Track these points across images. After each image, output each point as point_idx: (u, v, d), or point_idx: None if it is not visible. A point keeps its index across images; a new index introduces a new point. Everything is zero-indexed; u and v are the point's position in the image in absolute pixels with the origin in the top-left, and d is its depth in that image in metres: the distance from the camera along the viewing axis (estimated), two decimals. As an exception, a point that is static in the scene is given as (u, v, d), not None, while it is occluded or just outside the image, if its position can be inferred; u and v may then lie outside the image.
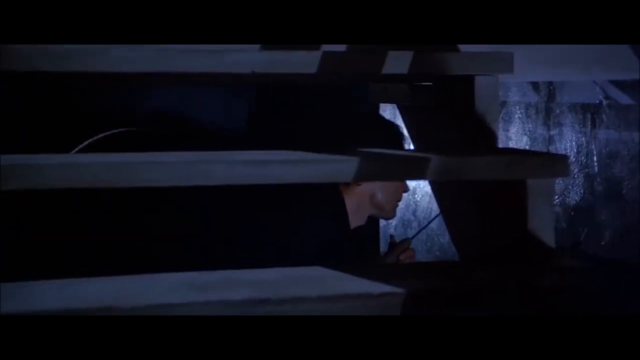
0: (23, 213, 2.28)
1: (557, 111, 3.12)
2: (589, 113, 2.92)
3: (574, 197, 3.01)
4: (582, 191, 2.98)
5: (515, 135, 3.36)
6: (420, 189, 3.94)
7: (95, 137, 2.52)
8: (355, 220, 2.33)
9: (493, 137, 1.85)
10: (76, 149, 2.50)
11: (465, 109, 1.87)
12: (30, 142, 2.42)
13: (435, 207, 2.41)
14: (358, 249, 2.40)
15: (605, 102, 2.82)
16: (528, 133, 3.30)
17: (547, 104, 3.16)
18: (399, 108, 2.27)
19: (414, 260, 2.51)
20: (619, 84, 2.69)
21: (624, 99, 2.71)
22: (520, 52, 1.94)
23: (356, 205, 2.30)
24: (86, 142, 2.48)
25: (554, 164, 1.67)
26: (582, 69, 2.11)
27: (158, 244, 2.13)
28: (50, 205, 2.30)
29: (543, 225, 1.67)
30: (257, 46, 1.75)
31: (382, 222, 3.74)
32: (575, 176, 3.00)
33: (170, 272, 1.45)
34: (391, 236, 2.63)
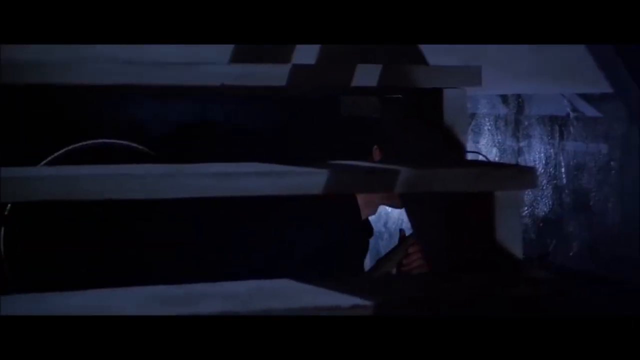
0: (17, 222, 2.28)
1: (526, 123, 3.15)
2: (557, 125, 2.95)
3: (542, 209, 3.04)
4: (550, 202, 3.01)
5: (484, 146, 3.38)
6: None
7: (65, 149, 2.51)
8: (366, 211, 2.35)
9: (462, 149, 1.86)
10: (46, 160, 2.49)
11: (434, 121, 1.88)
12: (27, 148, 2.42)
13: (406, 219, 2.43)
14: (364, 243, 2.43)
15: (572, 115, 2.86)
16: (497, 144, 3.33)
17: (516, 116, 3.19)
18: (369, 120, 2.28)
19: (422, 253, 2.52)
20: (585, 97, 2.72)
21: (591, 111, 2.75)
22: (489, 65, 1.96)
23: (367, 197, 2.32)
24: (56, 154, 2.47)
25: (523, 175, 1.69)
26: (549, 82, 2.14)
27: (150, 251, 2.14)
28: (43, 213, 2.30)
29: (511, 237, 1.68)
30: (227, 59, 1.76)
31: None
32: (544, 187, 3.02)
33: (148, 284, 1.45)
34: (401, 230, 2.64)
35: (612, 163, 2.67)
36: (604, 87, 1.78)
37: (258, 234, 2.14)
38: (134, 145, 2.58)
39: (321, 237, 2.17)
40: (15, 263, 2.27)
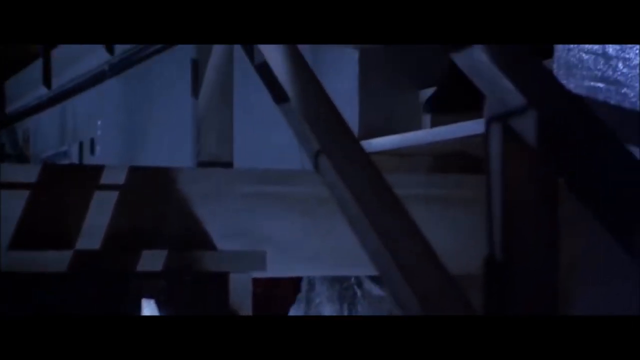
0: None
1: (317, 301, 3.22)
2: (346, 303, 3.04)
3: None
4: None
5: (278, 324, 3.42)
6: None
7: None
8: None
9: (247, 333, 1.89)
10: None
11: (220, 304, 1.91)
12: None
13: None
14: None
15: (359, 293, 2.96)
16: (290, 322, 3.37)
17: (307, 294, 3.26)
18: (157, 303, 2.27)
19: None
20: (371, 277, 2.84)
21: (376, 290, 2.86)
22: (275, 250, 2.02)
23: None
24: None
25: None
26: (333, 266, 2.24)
27: None
28: None
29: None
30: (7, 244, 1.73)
31: None
32: (334, 365, 3.08)
33: None
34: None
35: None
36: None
37: None
38: None
39: None
40: None
